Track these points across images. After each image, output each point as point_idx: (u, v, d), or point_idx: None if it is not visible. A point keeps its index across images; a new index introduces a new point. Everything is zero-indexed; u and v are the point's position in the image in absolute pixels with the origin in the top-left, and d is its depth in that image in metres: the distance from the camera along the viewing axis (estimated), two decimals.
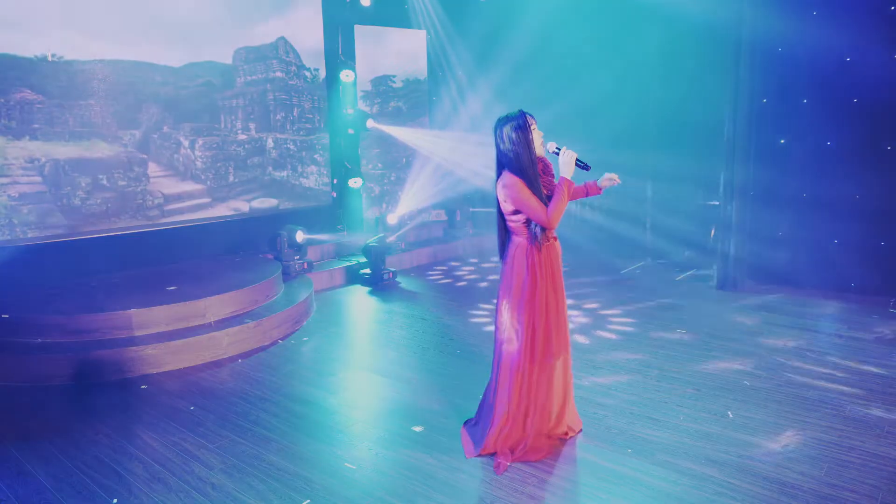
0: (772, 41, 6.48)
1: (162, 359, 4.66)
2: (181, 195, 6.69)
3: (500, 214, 3.25)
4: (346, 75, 7.77)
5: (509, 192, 3.09)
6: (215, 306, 5.21)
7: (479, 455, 3.32)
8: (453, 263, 8.50)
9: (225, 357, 4.92)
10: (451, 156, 9.02)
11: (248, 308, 5.47)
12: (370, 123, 7.86)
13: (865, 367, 4.48)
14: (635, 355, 4.82)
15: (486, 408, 3.44)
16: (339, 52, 7.91)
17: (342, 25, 8.03)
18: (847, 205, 6.33)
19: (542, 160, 3.19)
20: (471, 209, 9.54)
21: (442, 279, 7.62)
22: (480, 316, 5.96)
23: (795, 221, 6.65)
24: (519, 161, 3.08)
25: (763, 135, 6.65)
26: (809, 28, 6.25)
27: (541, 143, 3.16)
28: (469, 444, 3.43)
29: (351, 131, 8.00)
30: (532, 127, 3.11)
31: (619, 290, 6.81)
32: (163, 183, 6.54)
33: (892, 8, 5.89)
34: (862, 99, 6.13)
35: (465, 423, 3.65)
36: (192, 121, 6.72)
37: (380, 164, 9.09)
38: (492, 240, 9.57)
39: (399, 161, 9.33)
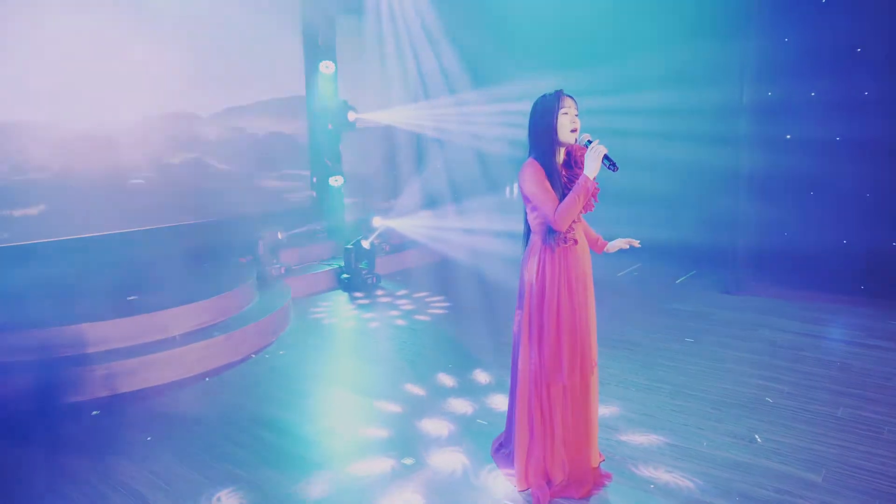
0: (779, 31, 6.12)
1: (117, 380, 4.14)
2: None
3: (524, 207, 2.85)
4: (325, 66, 7.27)
5: (523, 178, 2.70)
6: (180, 318, 4.71)
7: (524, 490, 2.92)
8: (441, 266, 8.05)
9: (190, 376, 4.41)
10: (441, 126, 8.63)
11: (218, 319, 4.96)
12: (352, 116, 7.38)
13: (894, 381, 4.11)
14: (644, 368, 4.40)
15: (508, 433, 3.08)
16: (317, 42, 7.41)
17: (322, 14, 7.53)
18: (857, 203, 6.00)
19: (575, 151, 2.76)
20: (460, 205, 9.10)
21: (429, 283, 7.16)
22: (476, 323, 5.51)
23: (803, 221, 6.30)
24: (538, 144, 2.71)
25: (769, 130, 6.29)
26: (819, 17, 5.91)
27: (572, 130, 2.69)
28: (509, 472, 3.03)
29: (331, 126, 7.51)
30: (563, 110, 2.67)
31: (617, 294, 6.41)
32: None
33: None
34: (873, 92, 5.79)
35: (493, 444, 3.27)
36: None
37: (363, 161, 8.59)
38: (481, 241, 9.14)
39: (384, 156, 8.86)
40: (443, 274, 7.67)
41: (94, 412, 3.89)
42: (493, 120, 8.44)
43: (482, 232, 9.21)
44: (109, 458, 3.32)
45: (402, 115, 8.91)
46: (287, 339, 5.23)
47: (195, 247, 6.45)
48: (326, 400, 4.09)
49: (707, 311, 5.81)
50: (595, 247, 3.00)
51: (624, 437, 3.41)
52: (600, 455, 3.08)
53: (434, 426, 3.60)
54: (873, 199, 5.92)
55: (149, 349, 4.37)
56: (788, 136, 6.29)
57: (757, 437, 3.39)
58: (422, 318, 5.79)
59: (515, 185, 9.18)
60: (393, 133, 8.91)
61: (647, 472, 3.07)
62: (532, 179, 2.67)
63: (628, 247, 2.98)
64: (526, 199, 2.76)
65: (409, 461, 3.22)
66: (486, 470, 3.11)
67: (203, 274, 5.75)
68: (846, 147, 5.99)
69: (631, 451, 3.26)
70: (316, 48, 7.42)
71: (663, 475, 3.03)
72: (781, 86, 6.22)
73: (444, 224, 8.90)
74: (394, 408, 3.87)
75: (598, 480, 2.94)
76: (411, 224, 8.78)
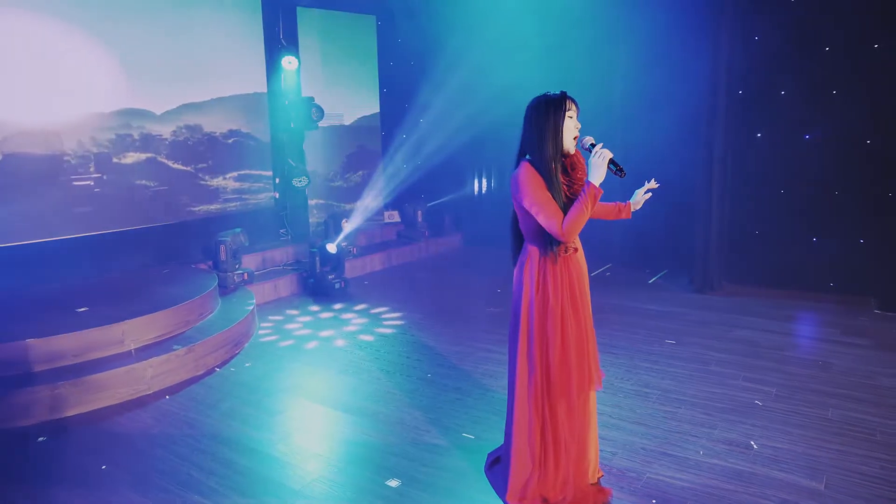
0: (749, 29, 6.12)
1: (67, 400, 3.78)
2: None
3: (513, 214, 2.66)
4: (288, 62, 6.95)
5: (522, 187, 2.49)
6: (136, 330, 4.35)
7: None
8: (411, 268, 7.83)
9: (148, 394, 4.07)
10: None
11: (178, 331, 4.62)
12: (315, 113, 7.06)
13: (877, 381, 4.09)
14: (628, 373, 4.28)
15: (503, 449, 2.90)
16: (279, 36, 7.09)
17: (283, 7, 7.21)
18: (826, 201, 6.04)
19: (571, 155, 2.57)
20: (427, 205, 8.90)
21: (399, 286, 6.93)
22: (451, 330, 5.31)
23: (773, 219, 6.32)
24: (541, 149, 2.48)
25: (740, 128, 6.29)
26: (787, 15, 5.93)
27: (575, 137, 2.53)
28: (499, 488, 2.86)
29: (294, 124, 7.19)
30: (568, 113, 2.50)
31: (591, 295, 6.29)
32: None
33: None
34: (841, 90, 5.84)
35: (488, 459, 3.11)
36: None
37: (329, 160, 8.30)
38: (449, 242, 8.98)
39: (351, 156, 8.58)
40: (412, 276, 7.45)
41: (40, 438, 3.52)
42: (463, 116, 8.26)
43: (450, 231, 9.04)
44: (57, 490, 2.98)
45: (367, 112, 8.66)
46: (253, 351, 4.92)
47: (150, 252, 6.08)
48: (300, 416, 3.81)
49: (683, 311, 5.76)
50: (622, 214, 2.82)
51: (619, 448, 3.27)
52: (599, 470, 2.92)
53: (418, 441, 3.38)
54: (841, 197, 5.97)
55: (101, 366, 4.01)
56: (759, 135, 6.30)
57: (753, 443, 3.30)
58: (395, 324, 5.55)
59: (483, 182, 9.02)
60: (360, 131, 8.65)
61: (646, 485, 2.92)
62: (532, 188, 2.48)
63: (650, 194, 2.81)
64: (522, 209, 2.56)
65: (394, 483, 2.99)
66: (475, 488, 2.91)
67: (160, 282, 5.38)
68: (815, 145, 6.02)
69: (628, 464, 3.12)
70: (277, 42, 7.09)
71: (664, 488, 2.89)
72: (752, 84, 6.22)
73: (413, 224, 8.68)
74: (373, 423, 3.64)
75: (597, 498, 2.77)
76: (379, 225, 8.53)
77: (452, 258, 8.38)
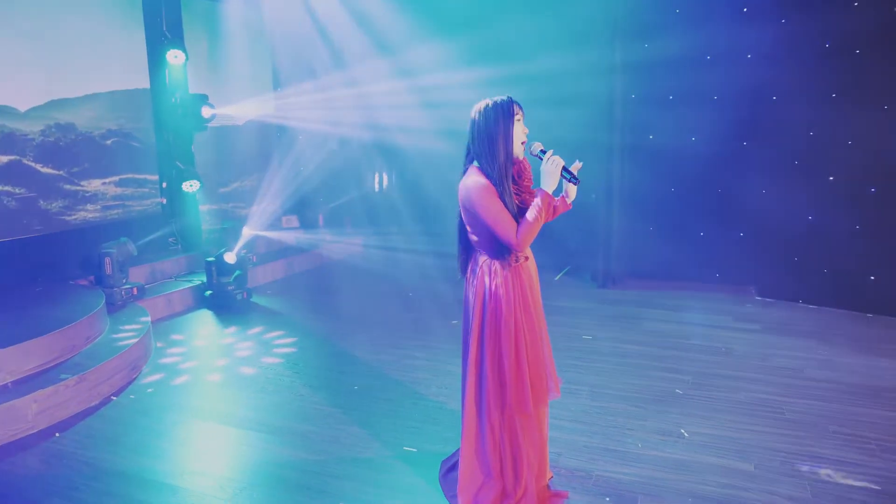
0: (639, 38, 6.48)
1: None
2: None
3: (462, 223, 2.56)
4: (174, 56, 6.38)
5: (473, 197, 2.41)
6: (12, 360, 3.75)
7: None
8: (316, 274, 7.50)
9: (33, 432, 3.51)
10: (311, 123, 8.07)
11: (64, 357, 4.05)
12: (207, 112, 6.53)
13: (772, 361, 4.46)
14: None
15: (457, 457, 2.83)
16: (163, 27, 6.48)
17: None
18: (710, 199, 6.54)
19: (518, 162, 2.51)
20: (327, 207, 8.58)
21: (306, 293, 6.60)
22: (370, 337, 5.11)
23: (665, 216, 6.75)
24: (492, 155, 2.41)
25: (635, 131, 6.64)
26: (674, 26, 6.35)
27: (522, 143, 2.48)
28: (453, 497, 2.76)
29: (182, 124, 6.61)
30: (516, 118, 2.44)
31: None
32: None
33: (745, 10, 6.14)
34: (721, 96, 6.34)
35: (442, 467, 3.01)
36: None
37: (221, 164, 7.74)
38: (351, 245, 8.72)
39: (245, 159, 8.06)
40: (319, 283, 7.15)
41: None
42: (359, 114, 8.04)
43: (351, 234, 8.80)
44: None
45: (261, 112, 8.18)
46: (154, 374, 4.43)
47: (17, 269, 5.30)
48: (220, 444, 3.46)
49: (592, 306, 5.98)
50: (559, 211, 2.61)
51: (563, 448, 3.27)
52: (549, 471, 2.91)
53: (359, 459, 3.19)
54: (724, 195, 6.49)
55: None
56: (651, 137, 6.69)
57: (683, 431, 3.44)
58: (309, 334, 5.26)
59: (385, 176, 8.85)
60: (254, 132, 8.15)
61: (596, 483, 2.94)
62: (485, 198, 2.39)
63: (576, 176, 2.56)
64: (474, 218, 2.47)
65: None
66: (431, 502, 2.79)
67: (35, 302, 4.71)
68: (700, 146, 6.49)
69: (575, 464, 3.13)
70: (161, 34, 6.48)
71: (614, 485, 2.93)
72: (643, 89, 6.59)
73: (313, 228, 8.35)
74: (305, 443, 3.38)
75: (555, 502, 2.75)
76: (279, 231, 8.11)
77: (356, 262, 8.13)
